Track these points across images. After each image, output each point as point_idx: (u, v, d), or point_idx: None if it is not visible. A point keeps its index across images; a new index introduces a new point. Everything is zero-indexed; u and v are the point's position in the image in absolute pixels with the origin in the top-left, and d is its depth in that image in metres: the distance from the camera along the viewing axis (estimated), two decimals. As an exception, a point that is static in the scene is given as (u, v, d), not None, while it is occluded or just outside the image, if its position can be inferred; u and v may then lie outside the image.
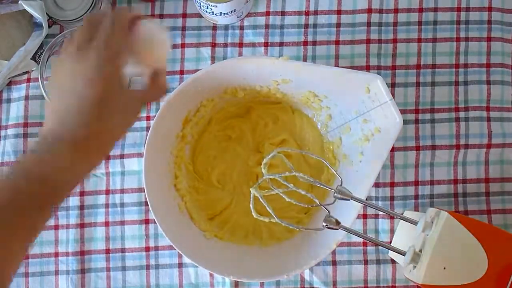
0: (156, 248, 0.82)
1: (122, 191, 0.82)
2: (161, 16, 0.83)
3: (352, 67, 0.82)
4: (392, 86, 0.83)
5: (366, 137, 0.71)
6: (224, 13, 0.78)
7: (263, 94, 0.77)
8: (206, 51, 0.83)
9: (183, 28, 0.83)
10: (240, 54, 0.83)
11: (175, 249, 0.71)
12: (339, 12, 0.83)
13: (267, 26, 0.83)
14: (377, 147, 0.69)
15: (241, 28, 0.83)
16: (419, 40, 0.83)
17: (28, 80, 0.82)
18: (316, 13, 0.83)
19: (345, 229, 0.63)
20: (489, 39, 0.83)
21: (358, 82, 0.68)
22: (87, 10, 0.76)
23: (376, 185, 0.82)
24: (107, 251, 0.82)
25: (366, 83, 0.67)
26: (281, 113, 0.81)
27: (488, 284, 0.62)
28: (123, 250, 0.82)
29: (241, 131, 0.82)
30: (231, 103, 0.79)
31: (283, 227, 0.73)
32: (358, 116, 0.71)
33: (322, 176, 0.79)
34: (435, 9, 0.83)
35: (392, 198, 0.82)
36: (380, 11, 0.83)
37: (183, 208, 0.77)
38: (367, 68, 0.83)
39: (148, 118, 0.83)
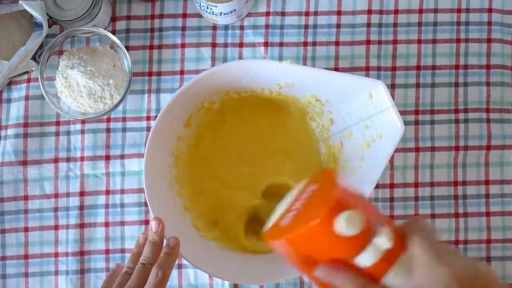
0: (156, 249, 0.82)
1: (122, 191, 0.82)
2: (161, 16, 0.83)
3: (352, 68, 0.82)
4: (392, 87, 0.83)
5: (367, 142, 0.71)
6: (224, 13, 0.77)
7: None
8: (206, 51, 0.83)
9: (183, 28, 0.83)
10: (240, 54, 0.83)
11: (175, 251, 0.71)
12: (339, 13, 0.83)
13: (267, 26, 0.83)
14: (377, 153, 0.69)
15: (241, 28, 0.83)
16: (419, 41, 0.83)
17: (28, 80, 0.82)
18: (316, 13, 0.83)
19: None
20: (489, 40, 0.83)
21: (361, 88, 0.68)
22: (87, 10, 0.75)
23: (376, 186, 0.82)
24: (107, 251, 0.82)
25: (369, 89, 0.67)
26: (282, 116, 0.81)
27: None
28: (123, 251, 0.82)
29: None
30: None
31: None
32: (360, 122, 0.71)
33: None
34: (435, 10, 0.83)
35: (391, 200, 0.82)
36: (380, 12, 0.83)
37: (183, 209, 0.77)
38: (367, 69, 0.83)
39: (148, 118, 0.82)
